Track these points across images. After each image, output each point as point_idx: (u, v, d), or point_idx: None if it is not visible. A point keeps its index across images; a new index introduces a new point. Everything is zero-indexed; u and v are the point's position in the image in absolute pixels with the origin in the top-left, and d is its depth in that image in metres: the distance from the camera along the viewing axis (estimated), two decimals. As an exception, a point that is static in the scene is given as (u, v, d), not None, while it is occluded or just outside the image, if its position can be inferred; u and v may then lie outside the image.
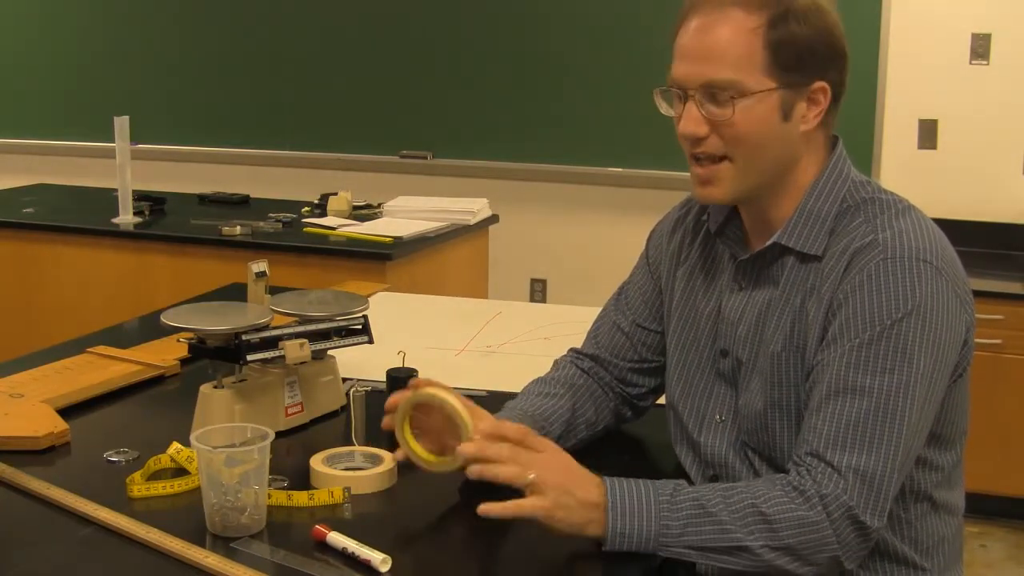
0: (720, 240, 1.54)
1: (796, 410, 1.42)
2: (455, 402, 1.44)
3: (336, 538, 1.30)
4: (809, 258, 1.42)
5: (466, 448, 1.35)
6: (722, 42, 1.37)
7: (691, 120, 1.40)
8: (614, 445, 1.68)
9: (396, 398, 1.50)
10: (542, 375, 1.70)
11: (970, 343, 1.41)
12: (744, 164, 1.41)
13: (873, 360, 1.32)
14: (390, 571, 1.25)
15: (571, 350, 1.73)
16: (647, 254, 1.70)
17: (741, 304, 1.49)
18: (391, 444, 1.56)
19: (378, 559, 1.25)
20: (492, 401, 1.76)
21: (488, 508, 1.30)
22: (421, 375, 1.75)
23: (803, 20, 1.37)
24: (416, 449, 1.48)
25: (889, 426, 1.31)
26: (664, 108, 1.47)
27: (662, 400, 1.67)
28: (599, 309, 1.75)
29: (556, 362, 1.73)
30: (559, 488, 1.30)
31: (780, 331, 1.43)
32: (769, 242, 1.45)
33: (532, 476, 1.30)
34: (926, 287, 1.33)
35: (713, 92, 1.37)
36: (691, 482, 1.47)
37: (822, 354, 1.37)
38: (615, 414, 1.68)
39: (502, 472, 1.32)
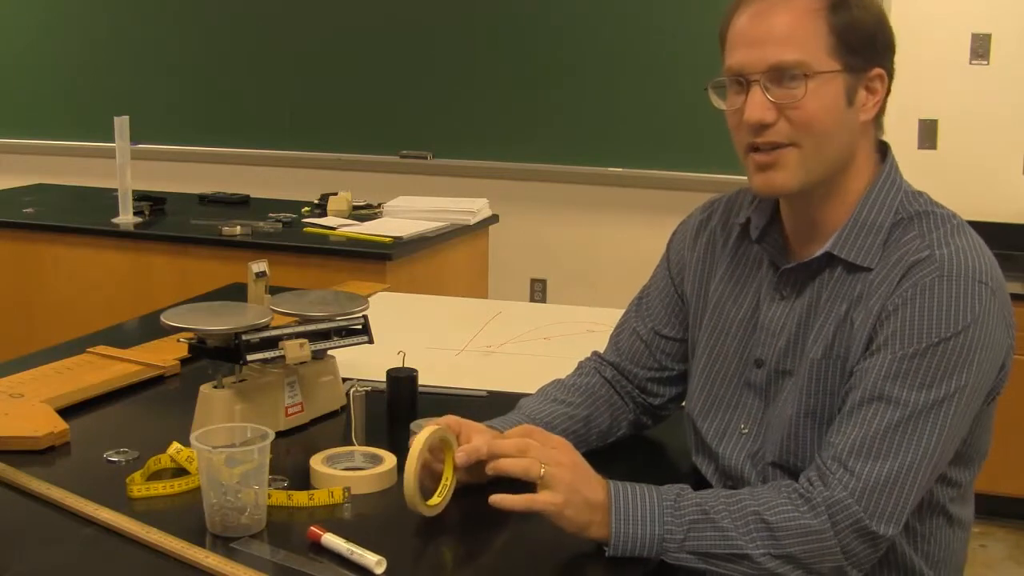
0: (761, 247, 1.49)
1: (830, 420, 1.37)
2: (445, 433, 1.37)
3: (331, 540, 1.29)
4: (858, 267, 1.38)
5: (477, 446, 1.32)
6: (786, 24, 1.33)
7: (757, 106, 1.34)
8: (627, 445, 1.66)
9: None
10: (563, 377, 1.66)
11: (1007, 367, 1.39)
12: (812, 150, 1.35)
13: (913, 374, 1.29)
14: (387, 571, 1.24)
15: (595, 354, 1.69)
16: (668, 258, 1.65)
17: (783, 314, 1.44)
18: (391, 444, 1.56)
19: (373, 561, 1.25)
20: (492, 401, 1.76)
21: (500, 500, 1.28)
22: (421, 375, 1.75)
23: (860, 4, 1.36)
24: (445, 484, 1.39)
25: (916, 440, 1.29)
26: (717, 102, 1.41)
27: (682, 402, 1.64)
28: (599, 309, 1.74)
29: (581, 364, 1.69)
30: (570, 485, 1.28)
31: (822, 339, 1.39)
32: (820, 251, 1.40)
33: (543, 470, 1.28)
34: (979, 308, 1.30)
35: (779, 75, 1.33)
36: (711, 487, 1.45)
37: (864, 362, 1.34)
38: (633, 424, 1.65)
39: (513, 465, 1.30)
